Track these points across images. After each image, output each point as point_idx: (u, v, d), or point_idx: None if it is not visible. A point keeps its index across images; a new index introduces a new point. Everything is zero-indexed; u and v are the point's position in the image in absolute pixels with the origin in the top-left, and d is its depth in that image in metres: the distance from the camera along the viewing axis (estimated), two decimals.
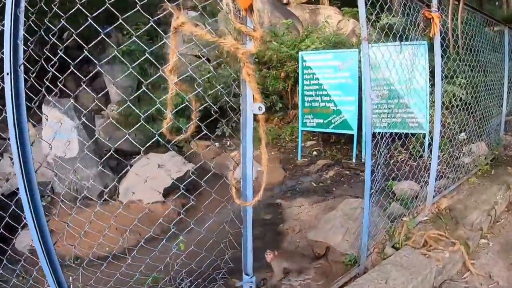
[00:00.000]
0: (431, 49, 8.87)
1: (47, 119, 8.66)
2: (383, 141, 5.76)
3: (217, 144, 11.39)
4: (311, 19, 15.52)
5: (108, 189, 8.56)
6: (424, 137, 9.05)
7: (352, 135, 9.25)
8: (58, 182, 8.64)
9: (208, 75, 11.43)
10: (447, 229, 5.20)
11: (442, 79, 6.79)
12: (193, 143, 11.68)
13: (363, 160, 9.23)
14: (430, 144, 8.92)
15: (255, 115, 2.87)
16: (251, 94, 2.75)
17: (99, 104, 3.46)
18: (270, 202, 7.83)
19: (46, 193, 8.94)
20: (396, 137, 6.63)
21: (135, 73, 12.65)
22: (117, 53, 4.46)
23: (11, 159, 10.95)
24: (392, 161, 8.80)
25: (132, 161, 10.41)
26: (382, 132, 6.03)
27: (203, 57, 13.41)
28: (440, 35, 5.84)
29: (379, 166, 5.70)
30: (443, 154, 8.80)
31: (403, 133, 9.03)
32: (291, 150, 10.54)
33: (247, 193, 3.07)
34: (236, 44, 2.60)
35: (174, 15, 2.51)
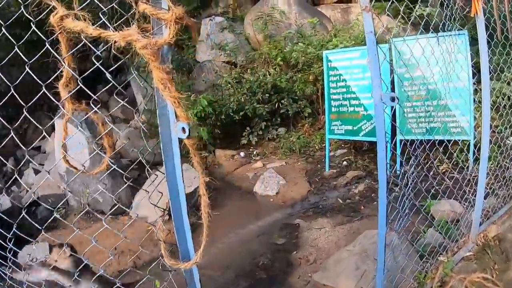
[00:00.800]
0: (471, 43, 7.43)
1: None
2: (419, 149, 4.41)
3: (242, 153, 10.24)
4: (342, 18, 14.19)
5: (115, 205, 7.67)
6: (468, 145, 7.57)
7: (386, 142, 7.85)
8: (72, 195, 7.98)
9: (231, 81, 10.41)
10: (495, 269, 3.85)
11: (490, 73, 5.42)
12: (217, 153, 10.68)
13: (398, 172, 7.86)
14: (475, 153, 7.60)
15: (180, 140, 1.71)
16: (172, 110, 1.60)
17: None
18: (287, 222, 6.70)
19: (61, 206, 8.26)
20: (437, 144, 5.29)
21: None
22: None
23: (35, 170, 10.29)
24: (432, 173, 7.46)
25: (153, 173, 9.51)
26: (418, 140, 4.74)
27: (231, 63, 12.38)
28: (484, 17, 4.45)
29: (410, 181, 4.32)
30: (491, 163, 7.43)
31: (444, 140, 7.71)
32: (320, 160, 9.27)
33: (185, 249, 1.87)
34: (129, 35, 1.51)
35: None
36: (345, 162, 8.89)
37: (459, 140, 7.59)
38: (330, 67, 8.20)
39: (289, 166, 9.11)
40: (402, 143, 6.80)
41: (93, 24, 1.67)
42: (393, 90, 7.90)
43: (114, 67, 2.06)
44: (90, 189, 7.85)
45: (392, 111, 7.73)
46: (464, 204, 5.25)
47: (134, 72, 2.00)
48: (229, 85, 10.42)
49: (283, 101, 10.25)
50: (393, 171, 7.85)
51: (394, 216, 3.79)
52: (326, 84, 8.28)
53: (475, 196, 4.73)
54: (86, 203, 7.80)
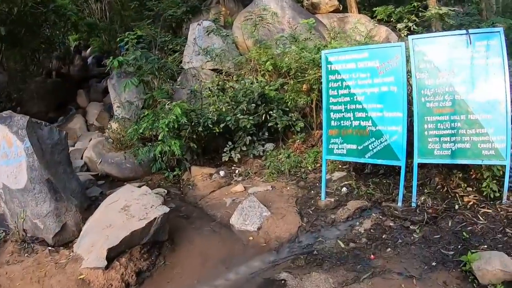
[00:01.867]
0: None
1: None
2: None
3: (221, 172, 8.18)
4: (339, 27, 12.31)
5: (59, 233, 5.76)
6: (504, 172, 5.63)
7: (399, 167, 5.86)
8: (10, 216, 6.10)
9: (212, 88, 8.41)
10: None
11: None
12: (193, 170, 8.63)
13: (413, 205, 5.85)
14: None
15: None
16: None
17: None
18: (269, 277, 4.66)
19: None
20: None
21: (133, 84, 9.90)
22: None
23: None
24: (458, 206, 5.78)
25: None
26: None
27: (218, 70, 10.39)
28: None
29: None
30: None
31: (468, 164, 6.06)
32: (313, 184, 7.23)
33: None
34: None
35: None
36: (344, 189, 6.82)
37: (489, 165, 5.69)
38: (330, 71, 6.19)
39: (276, 191, 7.04)
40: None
41: None
42: (410, 100, 5.92)
43: None
44: (29, 212, 5.82)
45: (408, 126, 5.81)
46: None
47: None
48: (210, 93, 8.39)
49: (271, 112, 8.23)
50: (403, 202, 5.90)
51: None
52: (324, 92, 6.26)
53: None
54: (21, 230, 5.77)
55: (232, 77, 9.61)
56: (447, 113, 5.58)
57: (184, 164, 8.53)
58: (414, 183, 5.85)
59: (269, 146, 8.61)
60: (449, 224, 5.29)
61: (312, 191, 6.97)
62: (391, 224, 5.61)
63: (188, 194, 7.90)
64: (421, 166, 6.38)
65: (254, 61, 9.27)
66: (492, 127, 5.49)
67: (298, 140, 8.28)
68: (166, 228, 5.76)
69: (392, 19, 8.72)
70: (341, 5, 14.74)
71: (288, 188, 7.11)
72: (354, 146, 6.07)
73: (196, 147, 8.27)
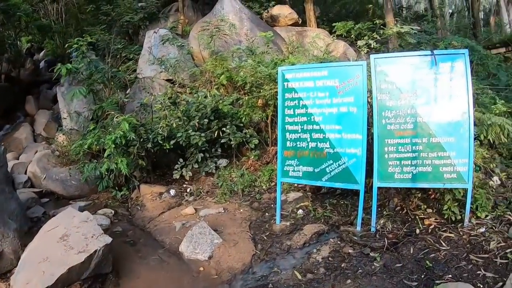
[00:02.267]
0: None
1: None
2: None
3: (172, 191, 7.51)
4: (297, 41, 11.86)
5: None
6: (465, 194, 5.29)
7: (357, 190, 5.40)
8: None
9: (162, 101, 7.74)
10: None
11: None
12: (142, 189, 7.92)
13: (373, 229, 5.39)
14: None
15: None
16: None
17: None
18: None
19: None
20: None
21: (82, 95, 9.11)
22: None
23: None
24: (419, 230, 5.36)
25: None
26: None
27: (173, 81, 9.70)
28: None
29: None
30: (486, 215, 5.35)
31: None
32: (268, 205, 6.69)
33: None
34: None
35: None
36: (300, 211, 6.31)
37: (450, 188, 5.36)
38: (286, 88, 5.67)
39: (229, 214, 6.45)
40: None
41: None
42: (370, 122, 5.48)
43: None
44: None
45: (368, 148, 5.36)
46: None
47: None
48: (161, 106, 7.71)
49: (225, 128, 7.64)
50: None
51: None
52: (280, 111, 5.74)
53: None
54: None
55: (186, 90, 8.96)
56: (408, 136, 5.18)
57: (133, 182, 7.81)
58: (374, 207, 5.40)
59: (223, 162, 8.01)
60: (411, 251, 4.86)
61: (267, 214, 6.41)
62: (350, 251, 5.12)
63: (136, 215, 7.19)
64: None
65: (209, 73, 8.67)
66: (454, 150, 5.16)
67: (252, 157, 7.72)
68: (110, 259, 5.04)
69: (351, 35, 8.35)
70: (300, 19, 14.39)
71: (242, 210, 6.53)
72: (310, 169, 5.56)
73: (145, 164, 7.57)
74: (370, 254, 4.98)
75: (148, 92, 9.26)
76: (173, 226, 6.29)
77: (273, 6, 13.99)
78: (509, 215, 5.25)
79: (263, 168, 7.63)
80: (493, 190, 5.85)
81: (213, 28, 9.36)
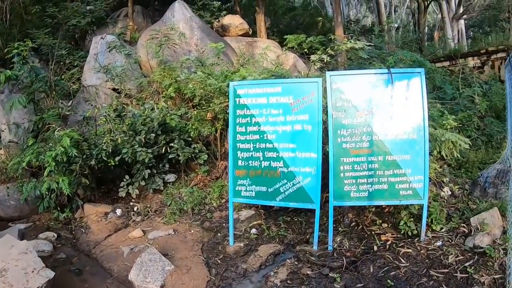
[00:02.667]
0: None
1: None
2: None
3: (118, 211, 6.91)
4: (248, 52, 11.50)
5: None
6: (420, 209, 5.17)
7: (313, 210, 5.08)
8: None
9: (107, 114, 7.15)
10: None
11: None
12: (86, 209, 7.27)
13: (330, 248, 5.09)
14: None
15: None
16: None
17: None
18: None
19: None
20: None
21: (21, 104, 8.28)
22: None
23: None
24: (376, 247, 5.15)
25: None
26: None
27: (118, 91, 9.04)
28: None
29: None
30: (441, 228, 5.23)
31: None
32: (220, 224, 6.26)
33: None
34: None
35: None
36: (254, 230, 5.91)
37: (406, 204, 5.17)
38: (238, 105, 5.26)
39: (179, 235, 5.95)
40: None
41: None
42: (325, 140, 5.17)
43: None
44: None
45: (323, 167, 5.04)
46: None
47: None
48: (105, 120, 7.08)
49: (173, 143, 7.12)
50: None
51: None
52: (231, 129, 5.32)
53: None
54: None
55: (132, 101, 8.36)
56: (364, 154, 4.93)
57: (76, 201, 7.11)
58: (330, 227, 5.09)
59: (171, 177, 7.47)
60: (371, 270, 4.61)
61: (219, 234, 5.97)
62: (309, 272, 4.79)
63: (81, 239, 6.49)
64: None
65: (157, 84, 8.10)
66: (409, 168, 4.99)
67: (201, 173, 7.24)
68: None
69: (304, 49, 8.04)
70: (250, 29, 14.07)
71: (192, 231, 6.04)
72: (264, 188, 5.18)
73: (88, 182, 6.90)
74: (330, 274, 4.69)
75: (91, 104, 8.55)
76: (121, 251, 5.71)
77: (224, 15, 13.60)
78: (463, 226, 5.14)
79: (213, 184, 7.17)
80: (445, 201, 5.75)
81: (162, 36, 8.79)
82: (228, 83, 5.57)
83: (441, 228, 5.25)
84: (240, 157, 5.24)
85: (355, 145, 4.91)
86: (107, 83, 9.70)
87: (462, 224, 5.20)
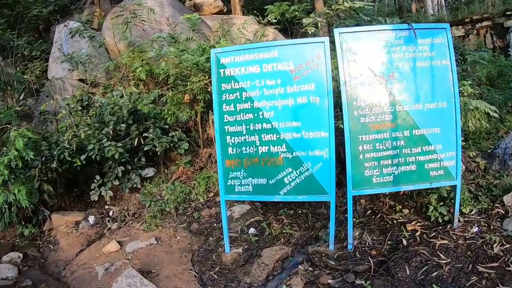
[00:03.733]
0: None
1: None
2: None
3: (91, 218, 5.60)
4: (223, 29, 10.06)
5: None
6: (452, 192, 4.13)
7: (327, 202, 3.92)
8: None
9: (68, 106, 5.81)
10: None
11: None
12: (55, 219, 5.94)
13: (350, 247, 3.95)
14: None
15: None
16: None
17: None
18: None
19: None
20: None
21: None
22: None
23: None
24: (405, 241, 4.07)
25: None
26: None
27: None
28: None
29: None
30: (471, 210, 4.24)
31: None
32: (211, 225, 5.03)
33: None
34: None
35: None
36: (252, 230, 4.69)
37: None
38: (223, 77, 3.96)
39: (163, 245, 4.67)
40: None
41: None
42: (337, 115, 3.98)
43: None
44: None
45: (337, 149, 3.82)
46: None
47: None
48: (65, 112, 5.70)
49: (147, 133, 5.75)
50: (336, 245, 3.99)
51: None
52: (216, 108, 4.01)
53: None
54: None
55: (99, 90, 6.97)
56: (387, 129, 3.74)
57: (42, 212, 5.74)
58: (350, 222, 3.93)
59: (149, 171, 6.13)
60: (407, 272, 3.51)
61: (211, 238, 4.73)
62: (330, 281, 3.67)
63: (49, 258, 5.15)
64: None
65: (126, 68, 6.70)
66: (440, 143, 3.86)
67: (183, 166, 5.93)
68: None
69: (287, 19, 6.78)
70: (225, 7, 12.64)
71: (179, 237, 4.77)
72: (263, 181, 3.93)
73: (52, 189, 5.53)
74: (356, 281, 3.58)
75: (56, 98, 7.10)
76: (95, 272, 4.41)
77: None
78: (497, 207, 4.15)
79: (197, 175, 5.86)
80: (462, 177, 4.67)
81: (128, 14, 7.35)
82: (207, 57, 4.26)
83: (471, 211, 4.24)
84: (230, 143, 3.96)
85: (375, 118, 3.70)
86: (73, 74, 8.27)
87: (496, 204, 4.19)
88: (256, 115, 3.85)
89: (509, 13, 9.63)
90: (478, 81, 7.16)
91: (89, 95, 6.62)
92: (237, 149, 3.93)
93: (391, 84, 3.70)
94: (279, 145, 3.81)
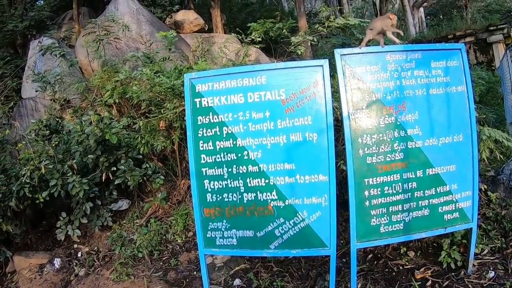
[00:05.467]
0: None
1: None
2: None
3: (57, 261, 4.64)
4: (205, 47, 9.16)
5: None
6: (467, 236, 3.42)
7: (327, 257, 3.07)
8: None
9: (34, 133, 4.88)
10: None
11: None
12: (17, 262, 4.92)
13: None
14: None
15: None
16: None
17: None
18: None
19: None
20: None
21: None
22: None
23: None
24: None
25: None
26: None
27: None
28: None
29: None
30: (482, 250, 3.56)
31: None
32: (190, 273, 4.10)
33: None
34: None
35: None
36: (237, 281, 3.79)
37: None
38: (199, 109, 3.06)
39: None
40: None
41: None
42: (339, 152, 3.15)
43: None
44: None
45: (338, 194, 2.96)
46: None
47: None
48: (25, 143, 4.73)
49: (119, 164, 4.77)
50: None
51: None
52: (191, 146, 3.09)
53: None
54: None
55: (67, 113, 6.00)
56: (398, 170, 2.91)
57: (4, 252, 4.73)
58: (353, 279, 3.06)
59: (123, 204, 5.17)
60: None
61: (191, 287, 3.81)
62: None
63: None
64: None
65: (98, 89, 5.75)
66: (455, 182, 3.07)
67: (158, 202, 4.96)
68: None
69: (272, 37, 5.96)
70: (206, 25, 11.76)
71: None
72: (250, 233, 3.04)
73: (12, 229, 4.55)
74: None
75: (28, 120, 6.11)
76: None
77: (177, 11, 11.21)
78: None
79: (175, 211, 4.91)
80: None
81: (101, 31, 6.41)
82: (183, 81, 3.36)
83: (483, 250, 3.50)
84: (209, 189, 3.05)
85: (384, 157, 2.87)
86: (45, 94, 7.28)
87: (510, 242, 3.47)
88: (240, 155, 2.96)
89: (492, 28, 9.05)
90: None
91: (57, 119, 5.67)
92: (218, 196, 3.03)
93: (401, 115, 2.88)
94: (268, 192, 2.93)
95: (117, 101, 5.24)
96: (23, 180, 4.46)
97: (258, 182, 2.95)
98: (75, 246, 5.01)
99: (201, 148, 3.04)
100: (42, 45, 7.31)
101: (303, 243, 2.97)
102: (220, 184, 3.02)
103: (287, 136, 2.87)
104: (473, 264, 3.36)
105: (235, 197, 3.01)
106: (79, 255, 4.79)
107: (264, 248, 3.03)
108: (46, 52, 7.02)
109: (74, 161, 4.44)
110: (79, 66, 7.51)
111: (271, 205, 2.95)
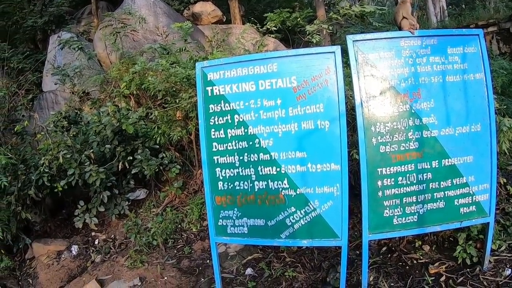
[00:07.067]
0: None
1: None
2: None
3: (74, 248, 4.76)
4: (222, 37, 9.17)
5: None
6: (483, 231, 3.32)
7: (339, 248, 3.05)
8: None
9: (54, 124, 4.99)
10: None
11: None
12: (36, 248, 5.08)
13: None
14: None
15: None
16: None
17: None
18: None
19: None
20: None
21: None
22: None
23: None
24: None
25: None
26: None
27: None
28: None
29: None
30: (499, 246, 3.47)
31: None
32: (203, 261, 4.17)
33: None
34: None
35: None
36: (249, 270, 3.81)
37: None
38: (210, 97, 3.08)
39: (148, 287, 3.80)
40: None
41: None
42: (352, 142, 3.12)
43: None
44: None
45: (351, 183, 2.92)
46: None
47: None
48: (43, 133, 4.85)
49: (136, 154, 4.84)
50: None
51: None
52: (203, 134, 3.12)
53: None
54: None
55: (86, 105, 6.11)
56: (412, 159, 2.86)
57: (23, 240, 4.89)
58: (365, 271, 3.04)
59: (141, 193, 5.27)
60: None
61: (202, 279, 3.84)
62: None
63: None
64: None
65: (116, 81, 5.83)
66: (472, 174, 2.99)
67: (175, 191, 5.03)
68: None
69: (288, 27, 5.93)
70: (224, 16, 11.77)
71: (166, 277, 3.89)
72: (261, 222, 3.04)
73: (31, 217, 4.69)
74: None
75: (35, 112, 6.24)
76: None
77: (195, 3, 11.23)
78: None
79: (191, 200, 4.98)
80: None
81: (117, 24, 6.49)
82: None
83: (500, 246, 3.43)
84: (221, 177, 3.07)
85: (398, 147, 2.82)
86: (65, 87, 7.43)
87: None
88: (251, 143, 2.96)
89: None
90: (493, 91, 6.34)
91: (76, 111, 5.78)
92: (229, 184, 3.05)
93: (416, 103, 2.82)
94: (279, 180, 2.93)
95: (134, 92, 5.31)
96: (42, 170, 4.59)
97: (269, 170, 2.95)
98: (93, 233, 5.15)
99: (212, 136, 3.05)
100: (61, 40, 7.46)
101: (314, 233, 2.95)
102: (232, 172, 3.03)
103: (298, 124, 2.85)
104: (489, 260, 3.29)
105: (246, 185, 3.02)
106: (96, 242, 4.92)
107: (275, 237, 3.03)
108: (65, 46, 7.16)
109: (92, 150, 4.54)
110: (98, 59, 7.63)
111: (282, 193, 2.95)
